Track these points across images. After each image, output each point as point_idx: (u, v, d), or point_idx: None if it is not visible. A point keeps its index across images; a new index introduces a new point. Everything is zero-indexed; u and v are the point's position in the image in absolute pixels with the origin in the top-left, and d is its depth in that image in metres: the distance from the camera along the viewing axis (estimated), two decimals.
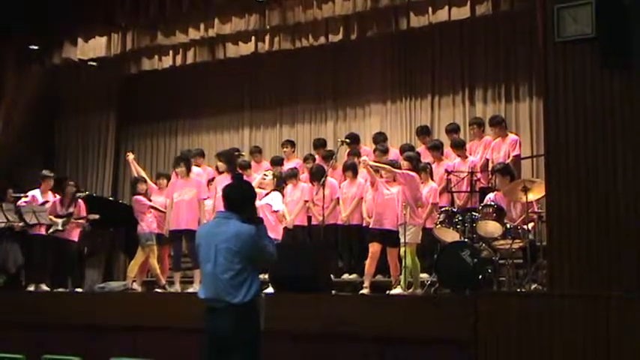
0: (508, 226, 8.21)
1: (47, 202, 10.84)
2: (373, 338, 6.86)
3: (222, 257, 5.23)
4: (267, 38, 11.69)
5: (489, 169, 9.75)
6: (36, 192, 11.05)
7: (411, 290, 8.53)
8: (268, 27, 11.41)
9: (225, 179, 9.32)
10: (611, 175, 6.38)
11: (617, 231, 6.28)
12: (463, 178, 9.66)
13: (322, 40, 11.36)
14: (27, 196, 11.01)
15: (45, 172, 11.36)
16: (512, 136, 10.08)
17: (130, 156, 11.90)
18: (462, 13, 10.33)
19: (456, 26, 11.30)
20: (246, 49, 11.90)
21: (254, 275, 5.34)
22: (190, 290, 9.57)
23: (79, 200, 10.89)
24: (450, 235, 8.67)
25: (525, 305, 6.29)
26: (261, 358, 5.26)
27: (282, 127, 13.24)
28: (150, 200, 10.78)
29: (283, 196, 10.49)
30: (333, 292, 8.43)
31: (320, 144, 11.47)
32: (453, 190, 9.70)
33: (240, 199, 5.44)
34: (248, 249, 5.24)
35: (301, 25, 11.31)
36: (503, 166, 8.99)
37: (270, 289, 8.64)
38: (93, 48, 12.53)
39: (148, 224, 10.46)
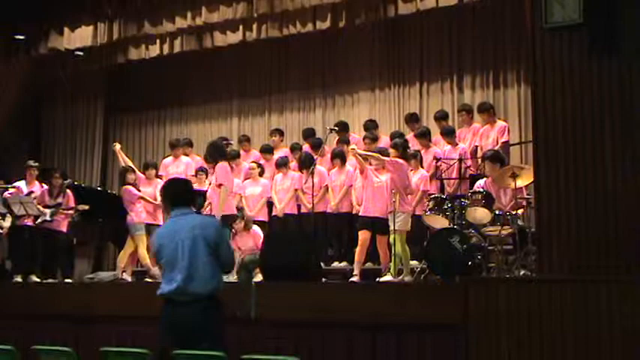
0: (497, 212, 8.24)
1: (32, 192, 10.79)
2: (363, 325, 6.86)
3: (192, 248, 5.40)
4: (254, 27, 11.62)
5: (478, 155, 9.77)
6: (21, 182, 11.01)
7: (400, 277, 8.55)
8: (256, 15, 11.35)
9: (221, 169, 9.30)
10: (600, 162, 6.40)
11: (606, 217, 6.30)
12: (453, 165, 9.67)
13: (310, 27, 11.30)
14: (14, 187, 10.96)
15: (30, 162, 11.31)
16: (500, 123, 10.10)
17: (117, 146, 11.86)
18: (449, 0, 10.33)
19: (444, 13, 11.29)
20: (234, 37, 11.83)
21: (218, 268, 5.52)
22: None
23: (68, 190, 10.85)
24: (440, 222, 8.70)
25: (515, 291, 6.30)
26: (226, 346, 5.37)
27: (271, 115, 13.22)
28: (139, 190, 10.76)
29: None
30: (323, 279, 8.43)
31: (309, 134, 11.47)
32: (443, 177, 9.72)
33: (186, 193, 5.69)
34: (213, 238, 5.44)
35: (289, 12, 11.26)
36: (493, 152, 9.00)
37: (260, 277, 8.64)
38: (79, 37, 12.44)
39: (137, 214, 10.45)
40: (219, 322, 5.49)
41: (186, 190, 5.76)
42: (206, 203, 9.95)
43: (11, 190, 10.93)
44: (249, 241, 9.88)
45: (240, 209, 10.11)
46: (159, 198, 11.22)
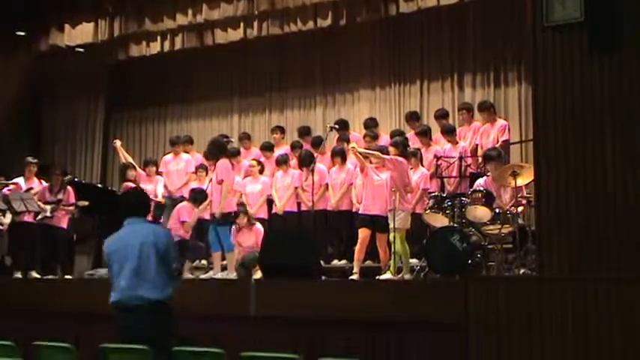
0: (497, 211, 8.24)
1: (31, 188, 10.79)
2: (363, 323, 6.87)
3: (140, 255, 5.54)
4: (255, 24, 11.65)
5: (479, 154, 9.77)
6: (20, 179, 11.00)
7: (400, 275, 8.54)
8: (257, 12, 11.38)
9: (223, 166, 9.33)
10: (600, 161, 6.39)
11: (606, 215, 6.30)
12: (453, 164, 9.67)
13: (311, 25, 11.33)
14: (12, 184, 10.96)
15: (29, 158, 11.30)
16: (501, 122, 10.10)
17: (117, 142, 11.88)
18: None
19: (445, 12, 11.29)
20: (234, 35, 11.86)
21: (168, 276, 5.65)
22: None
23: (69, 187, 10.85)
24: (440, 221, 8.70)
25: (515, 290, 6.31)
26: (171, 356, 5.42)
27: (272, 113, 13.20)
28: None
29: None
30: (323, 277, 8.44)
31: (304, 132, 11.49)
32: (443, 175, 9.72)
33: (139, 206, 5.88)
34: (163, 246, 5.58)
35: (290, 10, 11.29)
36: (494, 151, 9.00)
37: (259, 275, 8.65)
38: (80, 34, 12.47)
39: None
40: (165, 329, 5.58)
41: (140, 201, 5.98)
42: (207, 201, 9.97)
43: (10, 187, 10.92)
44: (250, 238, 9.88)
45: (241, 204, 10.11)
46: (159, 195, 11.26)
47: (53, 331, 7.75)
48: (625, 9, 6.39)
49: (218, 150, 9.38)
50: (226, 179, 8.99)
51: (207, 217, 9.89)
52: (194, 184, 11.00)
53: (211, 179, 9.51)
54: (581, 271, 6.28)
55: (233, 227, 9.71)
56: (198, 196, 10.23)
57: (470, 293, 6.41)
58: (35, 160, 11.27)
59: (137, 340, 5.36)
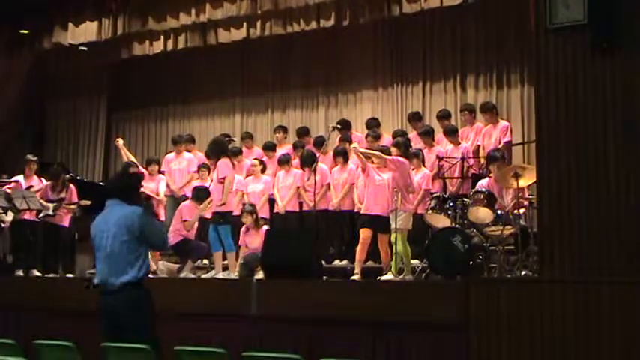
0: (499, 212, 8.23)
1: (32, 186, 10.79)
2: (364, 324, 6.87)
3: (113, 239, 5.65)
4: (258, 24, 11.65)
5: (481, 155, 9.77)
6: (20, 177, 11.00)
7: (401, 276, 8.54)
8: (260, 12, 11.37)
9: (224, 164, 9.39)
10: (603, 162, 6.39)
11: (608, 218, 6.30)
12: (455, 165, 9.67)
13: (314, 25, 11.32)
14: (13, 182, 10.96)
15: (29, 156, 11.28)
16: (503, 123, 10.09)
17: (120, 141, 11.89)
18: None
19: (448, 12, 11.28)
20: (237, 34, 11.86)
21: (145, 255, 5.79)
22: (192, 276, 9.61)
23: (71, 185, 10.85)
24: (441, 221, 8.69)
25: (516, 291, 6.31)
26: (157, 334, 5.61)
27: (274, 113, 13.21)
28: (141, 186, 10.74)
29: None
30: (324, 277, 8.44)
31: (303, 132, 11.50)
32: (445, 176, 9.72)
33: (119, 187, 5.95)
34: (136, 227, 5.66)
35: (293, 10, 11.28)
36: (501, 153, 9.00)
37: (261, 275, 8.65)
38: (84, 33, 12.47)
39: None
40: (144, 311, 5.68)
41: (122, 182, 6.10)
42: (208, 200, 9.97)
43: (9, 186, 10.91)
44: (256, 240, 9.86)
45: (249, 204, 10.13)
46: (161, 194, 11.26)
47: (54, 330, 7.76)
48: (628, 11, 6.40)
49: (219, 149, 9.42)
50: (228, 177, 9.03)
51: (209, 216, 9.91)
52: (196, 183, 10.99)
53: (212, 179, 9.52)
54: (583, 273, 6.28)
55: (242, 228, 9.83)
56: (200, 194, 10.23)
57: (471, 294, 6.41)
58: (35, 158, 11.25)
59: (116, 323, 5.54)
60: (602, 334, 5.84)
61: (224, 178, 9.25)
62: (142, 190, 10.46)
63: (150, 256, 10.16)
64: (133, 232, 5.66)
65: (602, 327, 5.85)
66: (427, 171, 9.61)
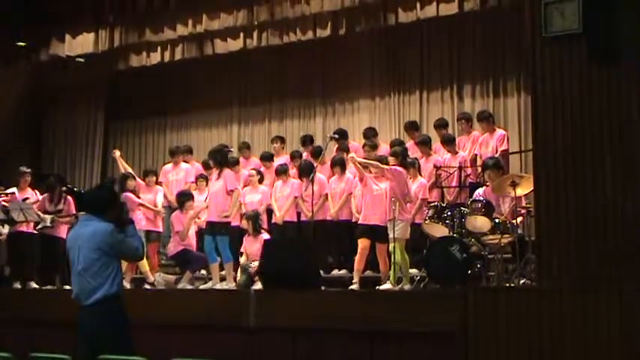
0: (497, 221, 8.23)
1: (27, 198, 10.77)
2: (363, 333, 6.86)
3: (84, 256, 5.62)
4: (255, 34, 11.68)
5: (478, 164, 9.77)
6: (14, 189, 10.97)
7: (400, 286, 8.54)
8: (257, 22, 11.40)
9: (230, 175, 9.54)
10: (600, 171, 6.39)
11: (605, 226, 6.30)
12: (453, 173, 9.67)
13: (310, 35, 11.35)
14: (8, 194, 10.93)
15: (22, 168, 11.26)
16: (499, 131, 10.11)
17: (117, 153, 11.89)
18: (450, 8, 10.34)
19: (445, 22, 11.29)
20: (234, 45, 11.88)
21: (117, 271, 5.75)
22: (187, 287, 9.60)
23: (69, 197, 10.84)
24: (439, 231, 8.69)
25: (514, 300, 6.30)
26: (134, 347, 5.56)
27: (271, 123, 13.22)
28: (139, 197, 10.75)
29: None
30: (323, 287, 8.43)
31: (307, 140, 11.49)
32: (443, 185, 9.72)
33: (95, 204, 5.83)
34: (106, 244, 5.60)
35: (289, 20, 11.30)
36: (495, 161, 9.00)
37: (259, 286, 8.64)
38: (81, 44, 12.49)
39: (137, 221, 10.34)
40: (119, 326, 5.66)
41: (97, 198, 5.92)
42: (191, 203, 10.12)
43: (4, 198, 10.88)
44: (255, 246, 9.85)
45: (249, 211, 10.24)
46: (159, 205, 11.26)
47: (51, 342, 7.73)
48: (623, 20, 6.41)
49: (222, 159, 9.54)
50: (236, 190, 9.39)
51: (204, 226, 9.92)
52: (195, 194, 10.99)
53: (209, 190, 9.55)
54: (581, 282, 6.27)
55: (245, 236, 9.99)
56: (182, 199, 10.36)
57: (469, 303, 6.40)
58: (29, 170, 11.23)
59: (91, 338, 5.55)
60: (600, 343, 5.83)
61: (232, 191, 9.34)
62: (140, 201, 10.66)
63: (147, 268, 10.33)
64: (102, 249, 5.63)
65: (600, 336, 5.84)
66: (424, 180, 9.61)
